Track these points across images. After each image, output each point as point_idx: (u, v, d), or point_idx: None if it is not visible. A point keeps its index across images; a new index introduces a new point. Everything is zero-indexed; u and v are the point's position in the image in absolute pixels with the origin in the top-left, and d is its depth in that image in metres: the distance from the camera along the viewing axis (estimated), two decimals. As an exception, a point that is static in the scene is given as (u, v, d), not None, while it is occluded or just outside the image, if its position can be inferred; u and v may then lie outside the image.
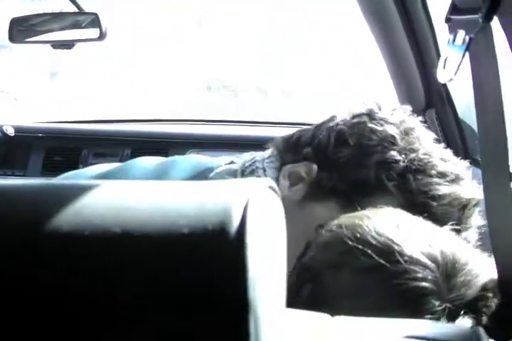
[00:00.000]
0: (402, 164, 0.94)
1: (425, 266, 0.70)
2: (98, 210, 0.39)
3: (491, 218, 0.73)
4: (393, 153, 0.95)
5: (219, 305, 0.35)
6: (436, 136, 1.74)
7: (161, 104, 5.48)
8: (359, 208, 0.88)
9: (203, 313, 0.35)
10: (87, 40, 1.48)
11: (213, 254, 0.36)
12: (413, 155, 0.95)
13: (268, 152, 1.05)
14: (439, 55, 1.72)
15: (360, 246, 0.72)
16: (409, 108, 1.05)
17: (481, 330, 0.53)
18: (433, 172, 0.95)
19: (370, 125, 0.97)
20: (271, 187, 0.42)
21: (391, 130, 0.97)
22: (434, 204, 0.92)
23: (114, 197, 0.41)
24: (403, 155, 0.95)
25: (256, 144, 1.94)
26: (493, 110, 0.56)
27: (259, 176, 0.98)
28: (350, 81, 5.51)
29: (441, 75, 0.67)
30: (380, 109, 1.01)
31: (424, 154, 0.96)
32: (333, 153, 0.97)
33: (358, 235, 0.74)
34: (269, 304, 0.38)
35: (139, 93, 5.81)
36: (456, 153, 1.50)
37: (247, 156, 1.05)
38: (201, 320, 0.35)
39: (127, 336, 0.37)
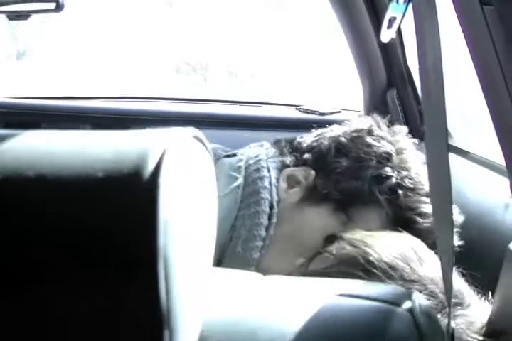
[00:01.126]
0: (394, 180, 1.00)
1: (438, 300, 0.77)
2: (13, 155, 0.38)
3: (432, 188, 0.73)
4: (387, 169, 1.01)
5: (129, 247, 0.34)
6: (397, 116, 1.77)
7: (130, 87, 5.43)
8: (349, 216, 0.99)
9: (113, 256, 0.35)
10: (44, 11, 1.44)
11: (126, 198, 0.35)
12: (405, 173, 1.01)
13: (271, 152, 1.09)
14: (400, 36, 1.73)
15: (387, 269, 0.77)
16: (405, 129, 1.11)
17: (417, 293, 0.53)
18: (422, 191, 1.00)
19: (368, 140, 1.03)
20: (196, 137, 0.42)
21: (387, 147, 1.03)
22: (420, 220, 0.98)
23: (30, 143, 0.40)
24: (396, 172, 1.01)
25: (218, 122, 1.95)
26: (434, 68, 0.56)
27: (264, 175, 1.02)
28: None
29: (384, 35, 0.67)
30: (379, 127, 1.07)
31: (415, 173, 1.02)
32: (331, 162, 1.02)
33: (386, 259, 0.79)
34: (185, 252, 0.37)
35: (107, 75, 5.75)
36: (416, 132, 1.52)
37: (249, 152, 1.09)
38: (111, 263, 0.35)
39: (37, 284, 0.36)
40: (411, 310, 0.48)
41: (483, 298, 0.85)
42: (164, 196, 0.35)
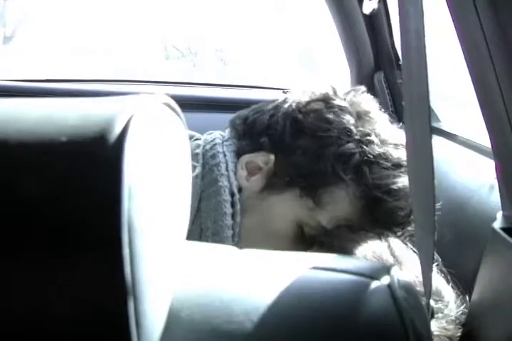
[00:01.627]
0: (357, 157, 0.94)
1: None
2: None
3: (411, 171, 0.71)
4: (350, 145, 0.94)
5: (92, 211, 0.33)
6: (385, 101, 1.76)
7: (120, 73, 5.39)
8: (316, 199, 0.94)
9: (76, 220, 0.33)
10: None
11: (91, 162, 0.34)
12: (368, 147, 0.95)
13: (226, 133, 1.04)
14: (388, 19, 1.71)
15: None
16: (362, 88, 1.05)
17: (395, 268, 0.52)
18: (387, 164, 0.95)
19: (326, 115, 0.96)
20: (166, 104, 0.40)
21: (347, 121, 0.96)
22: (389, 199, 0.93)
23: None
24: (359, 148, 0.95)
25: (205, 105, 1.93)
26: (416, 38, 0.54)
27: (220, 161, 0.97)
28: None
29: (366, 6, 0.65)
30: (335, 93, 0.99)
31: (379, 144, 0.96)
32: (289, 144, 0.96)
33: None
34: (152, 219, 0.36)
35: (96, 60, 5.71)
36: (403, 115, 1.51)
37: (206, 137, 1.04)
38: (74, 227, 0.33)
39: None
40: (389, 285, 0.47)
41: (462, 295, 0.85)
42: (130, 161, 0.34)
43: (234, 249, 0.50)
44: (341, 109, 0.97)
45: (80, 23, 5.90)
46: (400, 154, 0.96)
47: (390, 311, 0.45)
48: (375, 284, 0.46)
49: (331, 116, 0.96)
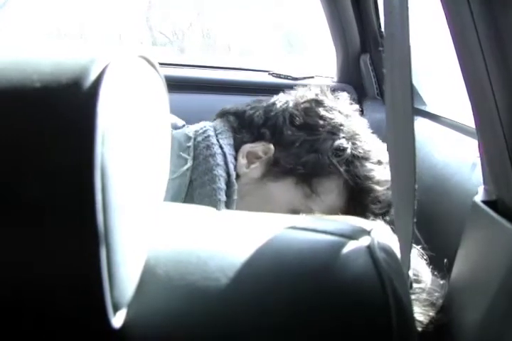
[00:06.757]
0: (349, 151, 1.02)
1: None
2: None
3: (392, 152, 0.70)
4: (343, 140, 1.03)
5: (65, 155, 0.32)
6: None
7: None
8: (311, 187, 1.01)
9: (47, 168, 0.33)
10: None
11: (65, 107, 0.33)
12: (358, 143, 1.03)
13: (218, 126, 1.07)
14: (375, 1, 1.71)
15: None
16: (347, 95, 1.13)
17: (376, 230, 0.51)
18: (373, 160, 1.03)
19: (321, 113, 1.04)
20: (143, 57, 0.40)
21: (339, 118, 1.04)
22: (379, 188, 1.01)
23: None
24: (350, 143, 1.03)
25: (192, 86, 1.92)
26: (400, 9, 0.54)
27: (216, 152, 1.01)
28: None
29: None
30: (326, 95, 1.08)
31: (364, 142, 1.04)
32: (288, 136, 1.03)
33: None
34: (126, 168, 0.35)
35: (81, 44, 5.65)
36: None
37: (195, 127, 1.07)
38: (46, 174, 0.33)
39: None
40: (369, 246, 0.46)
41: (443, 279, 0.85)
42: (104, 107, 0.33)
43: (213, 209, 0.49)
44: (332, 107, 1.05)
45: (59, 8, 5.83)
46: (379, 153, 1.05)
47: (369, 271, 0.44)
48: (354, 244, 0.46)
49: (324, 113, 1.04)
